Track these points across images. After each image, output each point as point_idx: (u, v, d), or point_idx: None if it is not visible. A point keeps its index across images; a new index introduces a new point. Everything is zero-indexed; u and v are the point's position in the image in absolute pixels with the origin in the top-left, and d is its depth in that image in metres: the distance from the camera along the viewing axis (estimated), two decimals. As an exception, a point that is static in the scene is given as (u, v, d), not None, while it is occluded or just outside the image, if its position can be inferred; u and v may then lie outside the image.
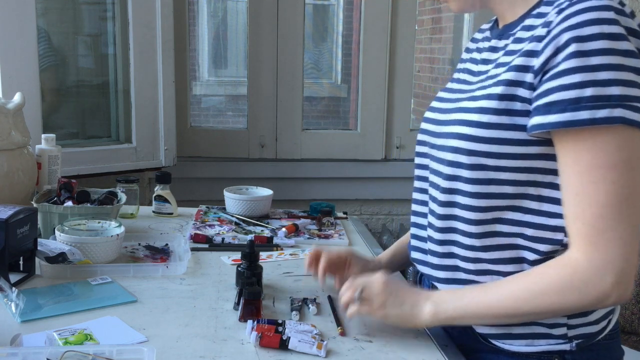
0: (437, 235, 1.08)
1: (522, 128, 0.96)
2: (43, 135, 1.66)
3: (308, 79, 2.72)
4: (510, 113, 0.97)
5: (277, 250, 1.50)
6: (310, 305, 1.16)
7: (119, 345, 0.91)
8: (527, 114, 0.96)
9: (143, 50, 2.19)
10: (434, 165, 1.10)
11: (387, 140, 2.62)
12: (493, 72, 1.04)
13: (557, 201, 0.97)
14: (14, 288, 1.11)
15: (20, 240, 1.21)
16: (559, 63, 0.92)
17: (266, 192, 1.81)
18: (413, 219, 1.18)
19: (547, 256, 0.98)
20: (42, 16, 2.09)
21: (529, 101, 0.96)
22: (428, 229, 1.12)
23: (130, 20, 2.16)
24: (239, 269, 1.24)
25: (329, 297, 1.22)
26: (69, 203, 1.47)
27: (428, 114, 1.17)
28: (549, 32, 0.94)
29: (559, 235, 0.98)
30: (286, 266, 1.40)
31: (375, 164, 2.62)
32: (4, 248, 1.17)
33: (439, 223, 1.07)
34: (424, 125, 1.17)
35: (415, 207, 1.18)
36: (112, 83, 2.32)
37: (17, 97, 1.58)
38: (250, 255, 1.23)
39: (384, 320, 1.04)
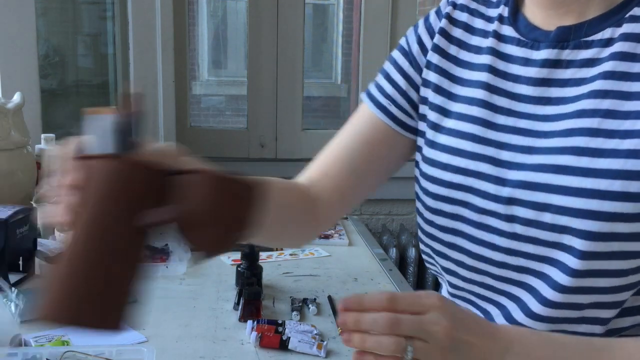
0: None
1: None
2: (43, 135, 1.66)
3: (308, 78, 2.72)
4: None
5: (277, 250, 1.50)
6: (310, 306, 1.16)
7: (119, 345, 0.91)
8: None
9: (143, 50, 2.19)
10: (516, 244, 0.77)
11: (387, 140, 2.62)
12: (591, 104, 0.73)
13: None
14: (13, 288, 1.11)
15: (19, 240, 1.21)
16: None
17: (266, 192, 1.81)
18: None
19: None
20: (41, 16, 2.09)
21: None
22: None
23: (130, 20, 2.15)
24: (239, 269, 1.24)
25: (329, 297, 1.22)
26: (69, 203, 1.47)
27: (461, 163, 0.81)
28: None
29: None
30: (286, 266, 1.40)
31: (375, 164, 2.61)
32: (4, 248, 1.17)
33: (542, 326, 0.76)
34: (459, 179, 0.81)
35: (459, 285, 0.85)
36: (111, 83, 2.32)
37: (16, 97, 1.57)
38: (250, 255, 1.22)
39: None
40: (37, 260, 1.27)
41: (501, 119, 0.79)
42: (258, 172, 2.40)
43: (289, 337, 1.00)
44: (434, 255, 0.87)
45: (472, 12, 0.86)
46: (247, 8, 2.49)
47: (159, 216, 0.56)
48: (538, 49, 0.78)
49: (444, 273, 0.87)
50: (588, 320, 0.75)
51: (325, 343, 1.00)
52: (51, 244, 1.31)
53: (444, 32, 0.86)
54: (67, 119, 2.34)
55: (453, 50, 0.86)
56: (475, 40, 0.84)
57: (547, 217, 0.72)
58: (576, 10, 0.75)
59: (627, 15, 0.72)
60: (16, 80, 1.89)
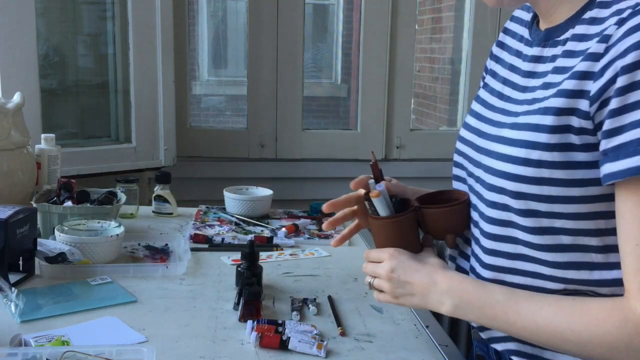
0: (486, 273, 0.94)
1: (581, 165, 0.81)
2: (43, 135, 1.66)
3: (308, 79, 2.72)
4: (564, 148, 0.82)
5: (277, 250, 1.50)
6: (310, 306, 1.16)
7: (119, 346, 0.91)
8: (586, 148, 0.81)
9: (143, 50, 2.19)
10: (477, 200, 0.97)
11: (387, 140, 2.62)
12: (539, 93, 0.87)
13: None
14: (13, 288, 1.11)
15: (19, 240, 1.21)
16: (624, 92, 0.76)
17: (266, 192, 1.81)
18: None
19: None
20: (41, 16, 2.09)
21: (587, 132, 0.80)
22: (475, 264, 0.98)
23: (130, 20, 2.15)
24: (239, 269, 1.24)
25: (329, 297, 1.22)
26: (69, 203, 1.47)
27: (465, 134, 1.02)
28: (607, 50, 0.77)
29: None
30: (286, 266, 1.40)
31: (375, 164, 2.61)
32: (4, 248, 1.17)
33: (487, 259, 0.93)
34: (461, 147, 1.02)
35: None
36: (111, 83, 2.32)
37: (16, 97, 1.57)
38: (250, 255, 1.22)
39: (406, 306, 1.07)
40: (37, 260, 1.27)
41: (500, 103, 0.97)
42: (258, 172, 2.41)
43: (289, 337, 1.00)
44: None
45: (517, 20, 1.02)
46: (247, 8, 2.50)
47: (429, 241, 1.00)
48: (532, 46, 0.94)
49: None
50: (521, 272, 0.89)
51: (325, 343, 1.00)
52: (51, 244, 1.31)
53: (499, 43, 1.05)
54: (67, 119, 2.34)
55: (503, 55, 1.03)
56: (515, 60, 0.99)
57: (486, 176, 0.91)
58: (558, 15, 0.89)
59: (581, 18, 0.85)
60: (16, 80, 1.89)
